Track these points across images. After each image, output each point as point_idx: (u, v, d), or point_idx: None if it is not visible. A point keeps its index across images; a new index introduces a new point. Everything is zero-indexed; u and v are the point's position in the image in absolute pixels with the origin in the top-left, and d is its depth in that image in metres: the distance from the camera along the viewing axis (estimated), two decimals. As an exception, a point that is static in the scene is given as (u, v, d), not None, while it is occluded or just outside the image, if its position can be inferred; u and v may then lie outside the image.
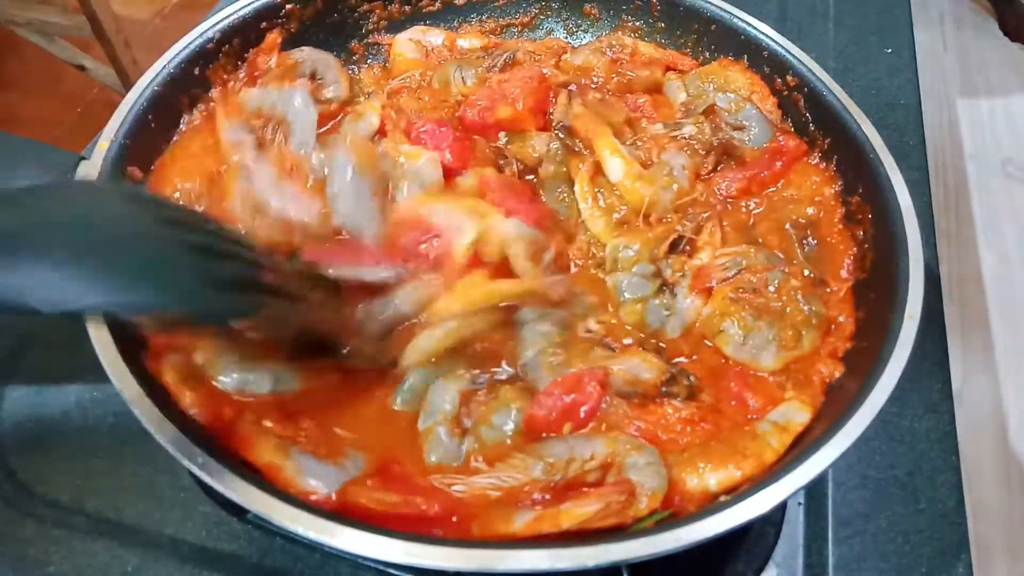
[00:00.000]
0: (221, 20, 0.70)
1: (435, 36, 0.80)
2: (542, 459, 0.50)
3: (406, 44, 0.79)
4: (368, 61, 0.81)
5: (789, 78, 0.72)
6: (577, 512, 0.45)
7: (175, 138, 0.67)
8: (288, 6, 0.74)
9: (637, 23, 0.83)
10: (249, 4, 0.72)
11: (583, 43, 0.83)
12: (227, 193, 0.61)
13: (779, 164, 0.68)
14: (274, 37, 0.73)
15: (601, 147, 0.67)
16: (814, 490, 0.61)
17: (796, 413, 0.53)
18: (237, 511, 0.56)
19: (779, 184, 0.69)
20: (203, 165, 0.64)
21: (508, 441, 0.52)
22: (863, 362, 0.53)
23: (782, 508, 0.58)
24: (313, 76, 0.73)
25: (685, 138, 0.69)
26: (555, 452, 0.50)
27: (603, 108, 0.71)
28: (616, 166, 0.66)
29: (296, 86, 0.67)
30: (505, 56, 0.76)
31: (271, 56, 0.71)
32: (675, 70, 0.78)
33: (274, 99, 0.66)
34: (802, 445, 0.50)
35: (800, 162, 0.69)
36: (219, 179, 0.63)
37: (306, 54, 0.73)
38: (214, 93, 0.69)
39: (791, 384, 0.56)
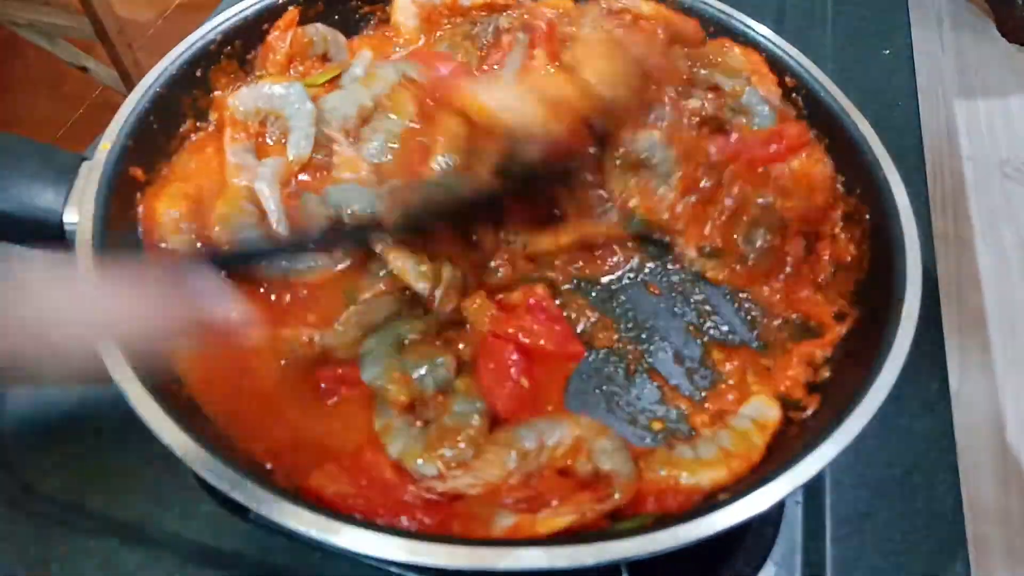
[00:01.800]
0: (223, 22, 0.70)
1: None
2: (514, 447, 0.50)
3: (407, 9, 0.78)
4: (366, 33, 0.80)
5: (787, 79, 0.72)
6: (555, 521, 0.46)
7: (172, 159, 0.66)
8: (290, 8, 0.74)
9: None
10: (251, 5, 0.72)
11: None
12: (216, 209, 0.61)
13: (774, 148, 0.67)
14: (293, 13, 0.73)
15: None
16: (812, 488, 0.61)
17: (767, 409, 0.54)
18: (239, 510, 0.56)
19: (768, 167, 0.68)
20: (197, 185, 0.64)
21: (474, 427, 0.52)
22: (861, 361, 0.53)
23: (780, 507, 0.58)
24: (324, 56, 0.74)
25: (687, 107, 0.68)
26: (526, 437, 0.51)
27: None
28: None
29: (291, 79, 0.68)
30: (492, 28, 0.75)
31: (288, 32, 0.72)
32: (680, 43, 0.77)
33: (269, 94, 0.67)
34: (800, 444, 0.51)
35: (797, 154, 0.68)
36: (208, 201, 0.62)
37: (321, 31, 0.74)
38: (216, 95, 0.70)
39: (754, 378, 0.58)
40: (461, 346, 0.57)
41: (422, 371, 0.54)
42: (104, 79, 1.83)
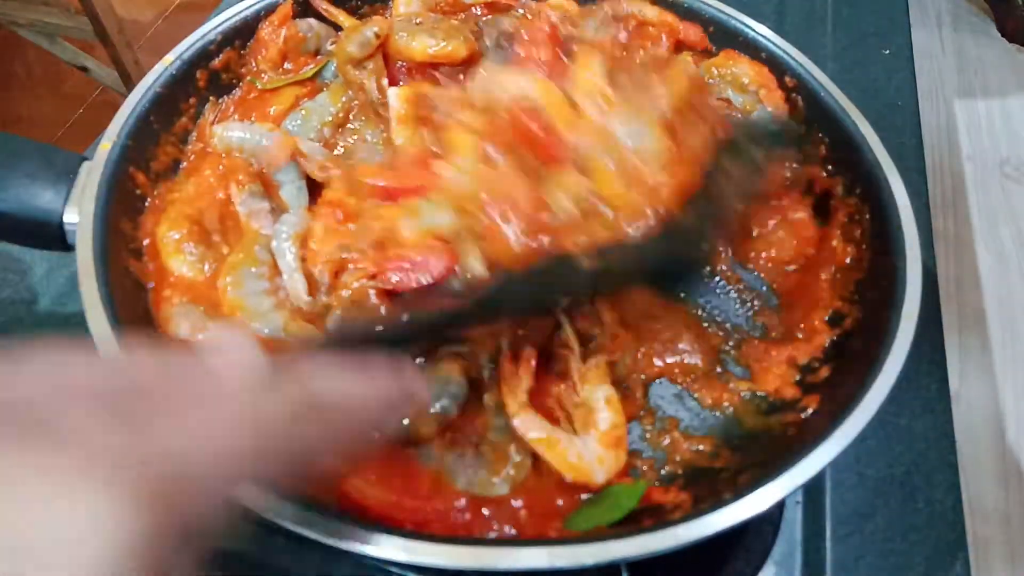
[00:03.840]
0: (224, 21, 0.70)
1: None
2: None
3: (411, 2, 0.76)
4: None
5: (788, 79, 0.72)
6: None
7: (170, 181, 0.64)
8: (294, 8, 0.74)
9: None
10: (251, 5, 0.72)
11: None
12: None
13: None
14: (287, 7, 0.71)
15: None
16: (812, 489, 0.61)
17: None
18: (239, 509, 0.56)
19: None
20: (197, 208, 0.61)
21: None
22: (861, 361, 0.53)
23: (780, 507, 0.58)
24: (316, 52, 0.73)
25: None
26: None
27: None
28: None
29: (272, 128, 0.65)
30: (496, 34, 0.73)
31: (282, 27, 0.70)
32: (686, 49, 0.78)
33: (253, 142, 0.64)
34: (800, 444, 0.51)
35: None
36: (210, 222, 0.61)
37: (314, 27, 0.73)
38: (200, 122, 0.68)
39: None
40: (462, 352, 0.55)
41: (437, 401, 0.52)
42: (104, 79, 1.83)
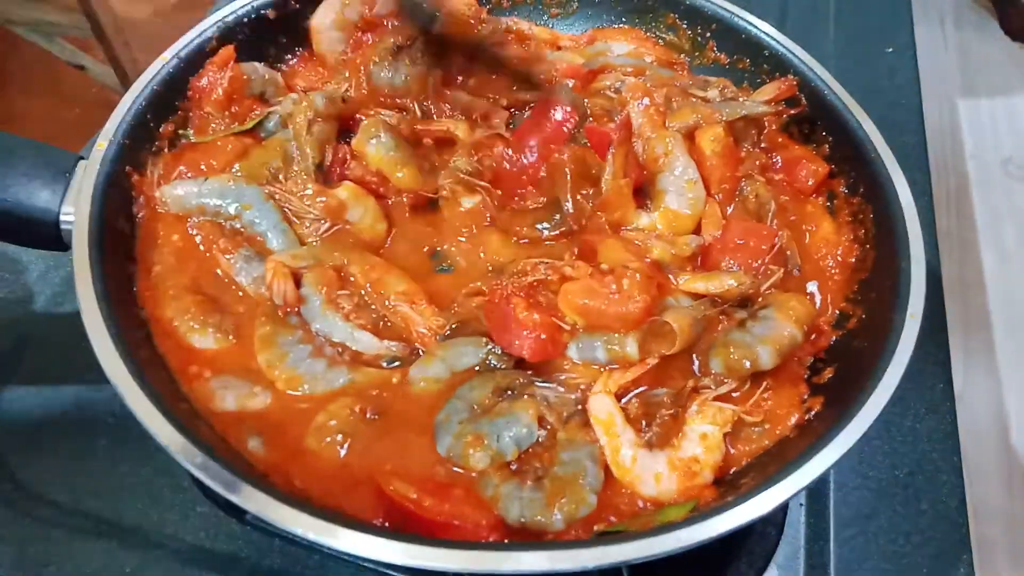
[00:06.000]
0: (220, 19, 0.69)
1: None
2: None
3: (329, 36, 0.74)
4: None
5: (791, 76, 0.72)
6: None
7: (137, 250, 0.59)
8: (292, 2, 0.73)
9: (635, 19, 0.82)
10: (247, 3, 0.71)
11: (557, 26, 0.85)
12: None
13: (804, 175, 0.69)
14: (228, 51, 0.68)
15: None
16: (816, 491, 0.61)
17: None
18: (236, 512, 0.56)
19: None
20: (192, 277, 0.59)
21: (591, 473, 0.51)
22: (865, 362, 0.53)
23: (784, 509, 0.57)
24: (261, 96, 0.70)
25: (706, 97, 0.70)
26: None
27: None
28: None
29: (232, 177, 0.62)
30: None
31: (225, 70, 0.66)
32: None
33: (219, 198, 0.60)
34: (804, 446, 0.50)
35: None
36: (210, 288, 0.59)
37: (259, 70, 0.70)
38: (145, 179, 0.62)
39: None
40: (548, 398, 0.54)
41: (497, 437, 0.50)
42: (101, 78, 1.82)
